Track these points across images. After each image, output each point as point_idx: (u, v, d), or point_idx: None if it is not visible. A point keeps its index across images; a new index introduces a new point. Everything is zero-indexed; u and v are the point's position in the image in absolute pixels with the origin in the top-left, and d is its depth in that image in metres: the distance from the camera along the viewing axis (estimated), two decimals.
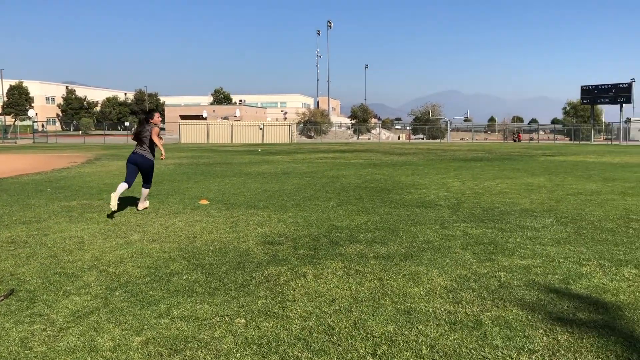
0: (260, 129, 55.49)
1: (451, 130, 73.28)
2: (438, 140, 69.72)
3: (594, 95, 63.93)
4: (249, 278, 4.69)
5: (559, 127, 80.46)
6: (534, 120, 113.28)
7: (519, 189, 11.17)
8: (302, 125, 76.78)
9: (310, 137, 73.37)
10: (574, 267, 5.03)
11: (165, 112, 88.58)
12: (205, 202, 9.32)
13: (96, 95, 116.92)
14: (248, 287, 4.45)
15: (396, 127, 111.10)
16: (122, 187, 7.88)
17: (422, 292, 4.30)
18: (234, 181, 12.88)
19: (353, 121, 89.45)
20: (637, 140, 57.25)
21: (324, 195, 10.25)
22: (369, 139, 76.90)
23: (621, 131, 58.18)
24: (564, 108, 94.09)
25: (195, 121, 56.26)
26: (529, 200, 9.49)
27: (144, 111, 7.06)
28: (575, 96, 72.50)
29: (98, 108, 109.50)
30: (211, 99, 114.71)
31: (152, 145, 8.32)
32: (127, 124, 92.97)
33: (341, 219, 7.57)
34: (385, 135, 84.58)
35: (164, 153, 8.79)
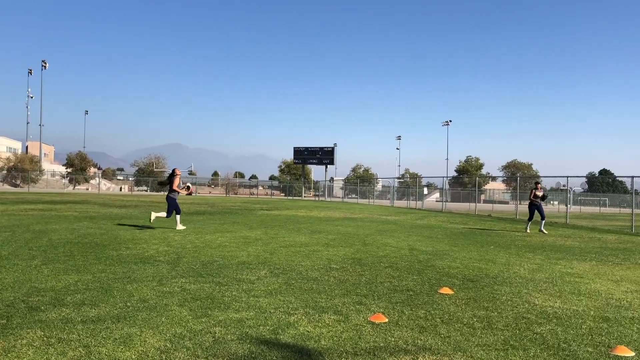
0: None
1: None
2: (162, 193, 68.75)
3: (304, 156, 71.49)
4: None
5: (275, 183, 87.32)
6: (254, 176, 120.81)
7: (237, 242, 11.61)
8: (5, 172, 67.63)
9: (16, 185, 64.95)
10: (284, 316, 5.35)
11: None
12: None
13: None
14: None
15: (118, 177, 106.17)
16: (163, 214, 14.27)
17: (133, 357, 4.03)
18: None
19: (69, 169, 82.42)
20: (339, 197, 65.50)
21: (26, 252, 9.04)
22: (88, 189, 71.72)
23: (326, 189, 65.94)
24: (280, 166, 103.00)
25: None
26: (246, 253, 9.91)
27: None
28: (290, 156, 79.95)
29: None
30: None
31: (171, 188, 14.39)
32: None
33: (46, 280, 6.74)
34: (106, 186, 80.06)
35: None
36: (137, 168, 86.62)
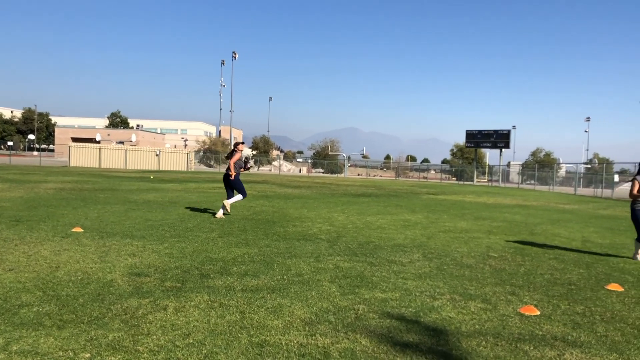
0: (157, 155, 53.98)
1: (350, 166, 75.44)
2: (336, 175, 71.44)
3: (477, 139, 68.73)
4: (106, 310, 4.55)
5: (447, 167, 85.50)
6: (425, 160, 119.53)
7: (397, 225, 11.73)
8: (202, 153, 75.65)
9: (210, 165, 72.32)
10: (428, 300, 5.37)
11: (56, 133, 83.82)
12: (79, 229, 8.90)
13: None
14: (102, 319, 4.32)
15: (298, 160, 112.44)
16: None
17: (280, 325, 4.39)
18: (116, 209, 12.40)
19: (254, 152, 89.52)
20: (515, 183, 62.03)
21: (208, 226, 10.16)
22: (270, 170, 77.19)
23: (501, 174, 62.85)
24: (452, 150, 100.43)
25: (86, 144, 53.59)
26: (403, 235, 10.00)
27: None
28: (462, 139, 77.62)
29: None
30: (107, 122, 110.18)
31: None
32: (10, 143, 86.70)
33: (219, 251, 7.55)
34: (287, 168, 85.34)
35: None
36: (314, 151, 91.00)
